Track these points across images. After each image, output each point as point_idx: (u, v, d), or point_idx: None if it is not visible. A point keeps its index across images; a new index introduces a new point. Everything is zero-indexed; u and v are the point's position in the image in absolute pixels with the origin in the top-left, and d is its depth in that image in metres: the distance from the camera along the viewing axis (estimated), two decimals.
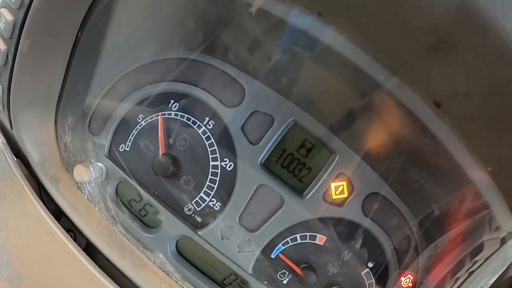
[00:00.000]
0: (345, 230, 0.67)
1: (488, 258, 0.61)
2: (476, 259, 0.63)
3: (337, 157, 0.65)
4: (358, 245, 0.68)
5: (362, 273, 0.69)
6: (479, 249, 0.62)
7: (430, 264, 0.69)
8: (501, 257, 0.59)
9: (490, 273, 0.61)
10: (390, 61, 0.40)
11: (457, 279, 0.66)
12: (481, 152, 0.45)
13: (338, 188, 0.66)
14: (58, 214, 0.73)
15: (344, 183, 0.66)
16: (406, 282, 0.70)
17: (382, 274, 0.69)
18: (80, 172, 0.67)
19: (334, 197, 0.66)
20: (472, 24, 0.31)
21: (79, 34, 0.61)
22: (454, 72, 0.35)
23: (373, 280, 0.69)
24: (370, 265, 0.69)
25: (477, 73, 0.34)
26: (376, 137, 0.62)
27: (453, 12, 0.31)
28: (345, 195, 0.66)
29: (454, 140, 0.47)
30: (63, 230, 0.67)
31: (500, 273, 0.61)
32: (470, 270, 0.64)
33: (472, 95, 0.37)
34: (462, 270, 0.65)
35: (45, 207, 0.68)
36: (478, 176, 0.53)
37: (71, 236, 0.73)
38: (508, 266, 0.60)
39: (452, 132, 0.45)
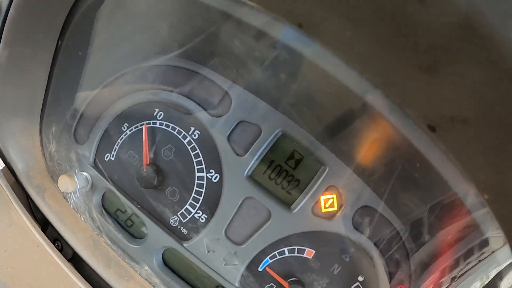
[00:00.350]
0: (335, 244, 0.65)
1: (476, 264, 0.60)
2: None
3: (327, 169, 0.63)
4: (347, 259, 0.66)
5: (352, 287, 0.67)
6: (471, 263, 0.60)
7: (422, 277, 0.67)
8: (491, 263, 0.58)
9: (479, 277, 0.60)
10: (379, 79, 0.37)
11: None
12: (476, 180, 0.42)
13: (327, 201, 0.64)
14: (46, 223, 0.73)
15: (334, 196, 0.64)
16: None
17: None
18: (65, 183, 0.66)
19: (323, 210, 0.64)
20: (475, 44, 0.27)
21: (59, 43, 0.59)
22: (451, 96, 0.32)
23: None
24: (361, 278, 0.67)
25: (476, 99, 0.31)
26: (367, 153, 0.59)
27: (454, 29, 0.28)
28: (335, 208, 0.64)
29: (448, 166, 0.45)
30: (49, 240, 0.67)
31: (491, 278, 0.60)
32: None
33: (469, 122, 0.33)
34: (454, 284, 0.64)
35: (30, 218, 0.67)
36: (472, 201, 0.51)
37: (57, 246, 0.72)
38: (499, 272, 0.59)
39: (447, 158, 0.42)
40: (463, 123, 0.33)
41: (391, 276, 0.68)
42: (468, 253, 0.59)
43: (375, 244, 0.66)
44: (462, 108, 0.31)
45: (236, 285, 0.67)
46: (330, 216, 0.64)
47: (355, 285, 0.67)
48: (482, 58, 0.26)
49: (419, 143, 0.44)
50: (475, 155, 0.38)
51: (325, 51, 0.40)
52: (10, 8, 0.53)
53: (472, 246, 0.58)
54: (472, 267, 0.60)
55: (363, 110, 0.52)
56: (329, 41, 0.36)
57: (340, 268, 0.66)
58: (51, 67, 0.61)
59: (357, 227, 0.65)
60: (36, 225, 0.67)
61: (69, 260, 0.70)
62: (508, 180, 0.39)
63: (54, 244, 0.69)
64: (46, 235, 0.67)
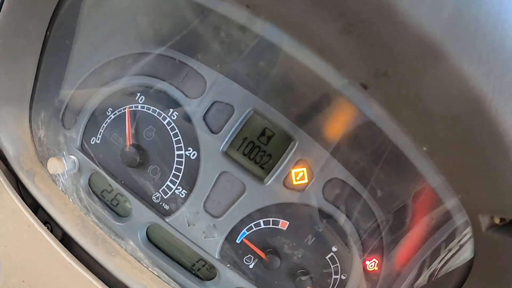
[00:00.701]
0: (307, 215, 0.69)
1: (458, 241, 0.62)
2: (442, 241, 0.64)
3: (297, 144, 0.67)
4: (321, 230, 0.70)
5: (327, 257, 0.71)
6: (445, 231, 0.63)
7: (395, 247, 0.71)
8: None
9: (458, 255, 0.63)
10: (315, 46, 0.42)
11: (423, 261, 0.68)
12: (413, 132, 0.46)
13: (298, 174, 0.68)
14: (36, 207, 0.77)
15: (304, 169, 0.68)
16: (371, 266, 0.72)
17: (346, 258, 0.71)
18: (53, 165, 0.71)
19: (294, 183, 0.69)
20: (374, 6, 0.32)
21: (48, 33, 0.65)
22: (369, 52, 0.37)
23: (338, 264, 0.71)
24: (334, 249, 0.70)
25: (388, 54, 0.36)
26: (330, 124, 0.64)
27: None
28: (306, 181, 0.68)
29: (386, 122, 0.49)
30: (39, 221, 0.71)
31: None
32: (436, 252, 0.66)
33: (390, 74, 0.38)
34: (427, 253, 0.67)
35: (22, 200, 0.71)
36: (418, 158, 0.55)
37: (48, 228, 0.76)
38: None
39: (384, 114, 0.47)
40: (384, 76, 0.37)
41: (364, 246, 0.71)
42: (452, 235, 0.62)
43: (346, 215, 0.70)
44: (379, 62, 0.36)
45: (216, 257, 0.71)
46: (301, 188, 0.69)
47: (329, 255, 0.71)
48: (380, 14, 0.31)
49: (358, 102, 0.48)
50: (405, 108, 0.42)
51: (272, 28, 0.45)
52: (4, 0, 0.58)
53: (457, 226, 0.61)
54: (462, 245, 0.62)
55: (327, 91, 0.57)
56: (271, 18, 0.42)
57: (314, 238, 0.70)
58: (40, 56, 0.66)
59: (327, 199, 0.69)
60: (27, 207, 0.71)
61: (59, 241, 0.73)
62: (440, 130, 0.43)
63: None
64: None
